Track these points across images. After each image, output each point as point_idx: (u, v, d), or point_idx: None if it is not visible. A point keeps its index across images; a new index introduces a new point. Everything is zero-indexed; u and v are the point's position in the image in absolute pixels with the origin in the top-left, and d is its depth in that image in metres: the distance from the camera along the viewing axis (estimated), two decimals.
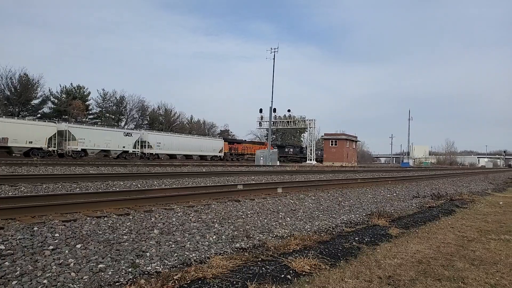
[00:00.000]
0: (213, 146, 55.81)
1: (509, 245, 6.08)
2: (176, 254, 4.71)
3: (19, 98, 57.78)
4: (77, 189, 10.02)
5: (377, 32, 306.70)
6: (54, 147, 36.51)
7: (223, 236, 5.77)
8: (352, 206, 10.00)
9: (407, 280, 4.12)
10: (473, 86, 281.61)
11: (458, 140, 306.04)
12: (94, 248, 4.57)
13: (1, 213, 5.58)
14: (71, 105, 65.08)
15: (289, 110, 66.62)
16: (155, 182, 12.80)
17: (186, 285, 3.71)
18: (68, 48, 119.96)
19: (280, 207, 8.58)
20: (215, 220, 6.64)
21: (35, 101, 63.50)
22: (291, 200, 9.56)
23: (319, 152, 74.61)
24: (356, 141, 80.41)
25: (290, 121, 66.53)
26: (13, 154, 34.16)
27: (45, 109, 66.19)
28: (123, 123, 76.40)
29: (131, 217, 6.23)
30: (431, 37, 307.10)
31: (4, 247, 4.29)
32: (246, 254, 4.92)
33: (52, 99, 67.81)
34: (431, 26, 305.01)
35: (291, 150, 75.53)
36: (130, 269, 4.05)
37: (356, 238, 6.19)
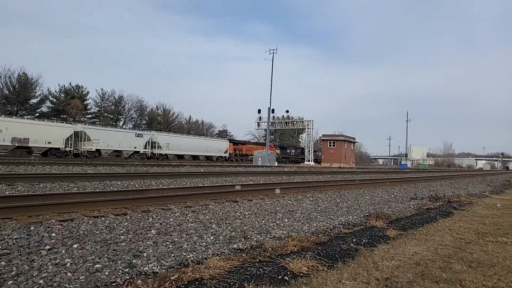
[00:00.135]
0: (219, 147, 57.39)
1: (507, 247, 6.09)
2: (173, 255, 4.69)
3: (18, 97, 57.68)
4: (75, 189, 9.98)
5: (375, 32, 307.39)
6: (71, 147, 37.84)
7: (221, 237, 5.75)
8: (350, 207, 10.00)
9: (404, 282, 4.12)
10: (471, 87, 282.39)
11: (456, 141, 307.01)
12: (91, 248, 4.55)
13: None
14: (69, 104, 65.03)
15: (287, 111, 66.73)
16: (153, 182, 12.77)
17: (183, 286, 3.70)
18: (67, 47, 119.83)
19: (278, 208, 8.57)
20: (212, 221, 6.63)
21: (34, 100, 63.54)
22: (289, 201, 9.55)
23: (318, 153, 74.86)
24: (354, 142, 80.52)
25: (288, 121, 66.56)
26: (33, 154, 35.16)
27: (44, 109, 66.23)
28: (121, 123, 76.37)
29: (128, 217, 6.21)
30: (429, 38, 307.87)
31: (0, 247, 4.26)
32: (243, 255, 4.91)
33: (50, 99, 67.80)
34: (429, 27, 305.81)
35: (293, 151, 76.32)
36: (127, 270, 4.04)
37: (354, 240, 6.19)
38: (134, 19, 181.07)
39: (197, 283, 3.79)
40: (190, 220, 6.48)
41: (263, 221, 7.16)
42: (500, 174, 56.15)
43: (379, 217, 8.31)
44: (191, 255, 4.76)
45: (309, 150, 65.06)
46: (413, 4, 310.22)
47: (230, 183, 13.54)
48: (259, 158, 48.16)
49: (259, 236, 6.06)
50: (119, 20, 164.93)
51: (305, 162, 63.99)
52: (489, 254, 5.58)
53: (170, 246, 5.03)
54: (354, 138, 79.70)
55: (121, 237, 5.14)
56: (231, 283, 3.83)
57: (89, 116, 73.79)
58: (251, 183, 14.46)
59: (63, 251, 4.32)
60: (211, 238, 5.64)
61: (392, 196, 13.34)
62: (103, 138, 40.33)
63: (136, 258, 4.41)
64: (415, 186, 17.95)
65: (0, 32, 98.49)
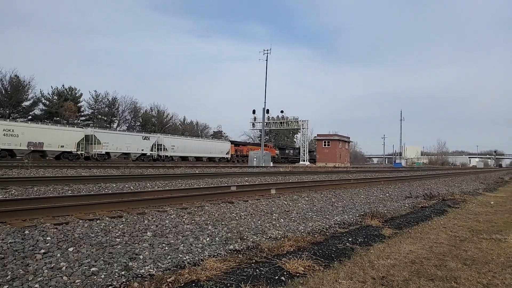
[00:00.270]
0: (221, 149, 58.96)
1: (501, 244, 6.15)
2: (169, 257, 4.68)
3: (10, 100, 57.20)
4: (69, 192, 9.92)
5: (369, 33, 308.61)
6: (82, 150, 39.23)
7: (217, 238, 5.75)
8: (345, 206, 10.03)
9: (400, 280, 4.15)
10: (464, 86, 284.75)
11: (449, 140, 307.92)
12: (87, 251, 4.52)
13: None
14: (62, 106, 64.57)
15: (282, 111, 66.85)
16: (148, 184, 12.73)
17: None
18: (59, 49, 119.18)
19: (273, 208, 8.58)
20: (208, 222, 6.62)
21: (26, 103, 63.02)
22: (284, 201, 9.56)
23: (314, 153, 75.30)
24: (348, 142, 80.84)
25: (283, 122, 66.70)
26: (47, 158, 36.66)
27: (36, 111, 65.75)
28: (115, 125, 76.02)
29: (124, 220, 6.18)
30: (422, 38, 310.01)
31: None
32: (240, 256, 4.91)
33: (43, 101, 67.34)
34: (423, 27, 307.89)
35: (291, 151, 77.81)
36: (123, 272, 4.02)
37: (350, 239, 6.21)
38: (128, 20, 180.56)
39: (193, 284, 3.79)
40: (186, 222, 6.47)
41: (259, 222, 7.16)
42: (493, 171, 56.65)
43: (374, 216, 8.35)
44: (187, 257, 4.75)
45: (304, 150, 65.19)
46: (404, 5, 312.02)
47: (226, 184, 13.53)
48: (254, 159, 48.18)
49: (255, 237, 6.06)
50: (112, 20, 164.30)
51: (300, 162, 64.11)
52: (484, 252, 5.62)
53: (166, 248, 5.02)
54: (349, 138, 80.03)
55: (117, 239, 5.12)
56: (228, 284, 3.83)
57: (83, 118, 73.36)
58: (247, 183, 14.46)
59: (59, 255, 4.30)
60: (207, 239, 5.64)
61: (387, 195, 13.40)
62: (112, 141, 41.89)
63: (132, 261, 4.40)
64: (410, 185, 18.05)
65: None
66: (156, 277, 3.92)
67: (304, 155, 65.12)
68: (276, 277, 4.12)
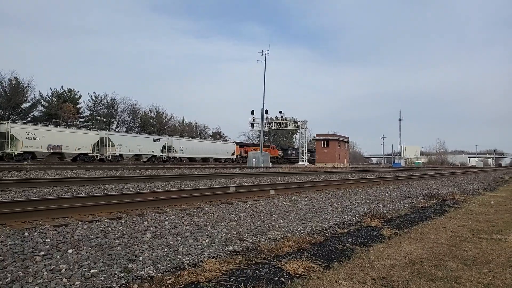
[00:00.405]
0: (227, 150, 60.95)
1: (501, 244, 6.14)
2: (169, 258, 4.67)
3: (9, 101, 57.13)
4: (68, 193, 9.91)
5: (369, 33, 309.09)
6: (97, 152, 40.90)
7: (216, 239, 5.74)
8: (345, 207, 10.02)
9: (400, 281, 4.14)
10: (463, 86, 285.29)
11: (449, 139, 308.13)
12: (86, 253, 4.51)
13: None
14: (61, 108, 64.56)
15: (280, 112, 66.83)
16: (147, 185, 12.72)
17: None
18: (58, 50, 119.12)
19: (273, 209, 8.57)
20: (208, 223, 6.61)
21: (26, 105, 62.97)
22: (284, 202, 9.56)
23: (313, 153, 75.48)
24: (347, 142, 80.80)
25: (282, 122, 66.68)
26: (64, 160, 37.98)
27: (36, 113, 65.71)
28: (114, 126, 75.94)
29: (123, 221, 6.18)
30: (422, 38, 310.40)
31: None
32: (239, 257, 4.90)
33: (42, 103, 67.28)
34: (423, 27, 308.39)
35: (293, 152, 78.59)
36: (122, 274, 4.01)
37: (349, 239, 6.20)
38: (128, 20, 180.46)
39: (193, 286, 3.78)
40: (185, 223, 6.47)
41: (259, 223, 7.15)
42: (493, 171, 56.70)
43: (374, 216, 8.33)
44: (187, 258, 4.74)
45: (303, 150, 65.19)
46: (403, 5, 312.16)
47: (225, 185, 13.52)
48: (253, 159, 48.16)
49: (255, 238, 6.05)
50: (111, 21, 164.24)
51: (299, 163, 64.09)
52: (484, 252, 5.62)
53: (166, 249, 5.01)
54: (348, 138, 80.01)
55: (116, 241, 5.11)
56: (228, 286, 3.82)
57: (82, 119, 73.36)
58: (246, 184, 14.45)
59: (58, 257, 4.29)
60: (207, 240, 5.63)
61: (387, 195, 13.40)
62: (125, 144, 43.67)
63: (132, 262, 4.39)
64: (409, 185, 18.05)
65: None
66: (155, 278, 3.91)
67: (303, 155, 65.10)
68: (276, 278, 4.12)
